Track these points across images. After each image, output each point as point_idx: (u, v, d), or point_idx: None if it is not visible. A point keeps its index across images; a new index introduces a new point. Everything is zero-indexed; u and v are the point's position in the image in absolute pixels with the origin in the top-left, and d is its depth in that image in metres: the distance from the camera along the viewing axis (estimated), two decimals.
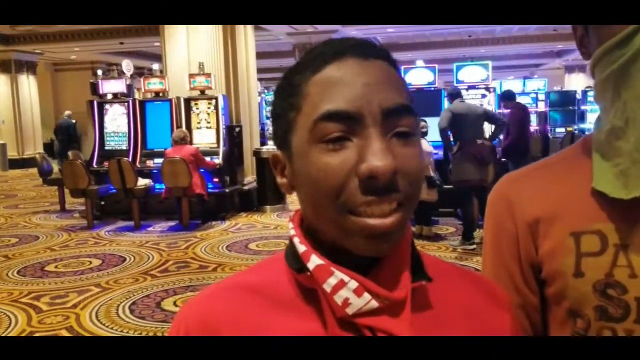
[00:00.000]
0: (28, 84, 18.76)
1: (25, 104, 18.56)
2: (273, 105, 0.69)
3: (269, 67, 21.92)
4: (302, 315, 0.66)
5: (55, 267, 6.18)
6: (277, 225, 8.06)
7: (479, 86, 8.74)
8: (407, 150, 0.62)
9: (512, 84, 15.29)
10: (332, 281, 0.62)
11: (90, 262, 6.31)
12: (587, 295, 0.74)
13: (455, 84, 8.89)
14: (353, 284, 0.62)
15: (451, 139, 6.36)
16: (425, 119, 7.03)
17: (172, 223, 8.29)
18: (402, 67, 9.14)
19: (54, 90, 21.76)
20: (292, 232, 0.68)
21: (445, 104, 8.54)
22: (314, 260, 0.64)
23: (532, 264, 0.80)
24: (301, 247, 0.66)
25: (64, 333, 4.22)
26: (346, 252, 0.63)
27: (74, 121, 17.28)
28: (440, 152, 7.53)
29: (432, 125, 7.00)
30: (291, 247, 0.69)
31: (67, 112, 17.60)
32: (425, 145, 6.81)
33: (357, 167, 0.59)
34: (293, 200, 9.98)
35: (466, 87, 8.66)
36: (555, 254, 0.77)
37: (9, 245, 7.35)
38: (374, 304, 0.61)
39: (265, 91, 18.82)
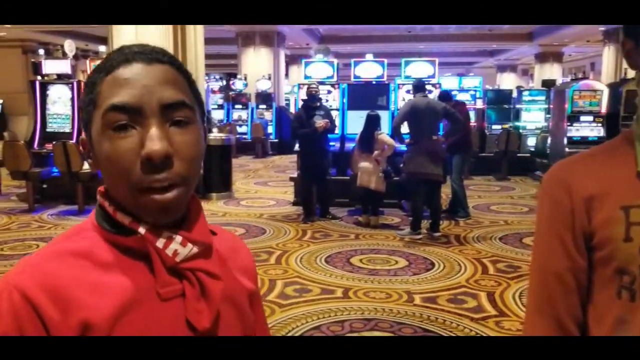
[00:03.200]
0: None
1: None
2: (81, 98, 0.87)
3: (208, 53, 21.62)
4: (129, 271, 0.79)
5: (1, 249, 6.03)
6: (225, 213, 8.10)
7: (425, 82, 9.02)
8: (184, 137, 0.78)
9: (449, 80, 15.83)
10: (162, 239, 0.79)
11: (38, 245, 6.17)
12: (634, 255, 0.93)
13: (402, 79, 9.17)
14: (179, 239, 0.80)
15: (403, 132, 6.55)
16: (377, 112, 7.30)
17: None
18: (352, 60, 9.33)
19: None
20: (107, 204, 0.82)
21: (392, 97, 8.81)
22: (144, 226, 0.79)
23: (585, 233, 0.99)
24: (126, 218, 0.80)
25: None
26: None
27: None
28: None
29: (382, 118, 7.40)
30: (104, 216, 0.82)
31: None
32: (386, 138, 7.05)
33: (140, 151, 0.76)
34: (238, 188, 10.02)
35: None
36: (607, 224, 0.96)
37: None
38: (195, 250, 0.81)
39: (206, 78, 18.61)
